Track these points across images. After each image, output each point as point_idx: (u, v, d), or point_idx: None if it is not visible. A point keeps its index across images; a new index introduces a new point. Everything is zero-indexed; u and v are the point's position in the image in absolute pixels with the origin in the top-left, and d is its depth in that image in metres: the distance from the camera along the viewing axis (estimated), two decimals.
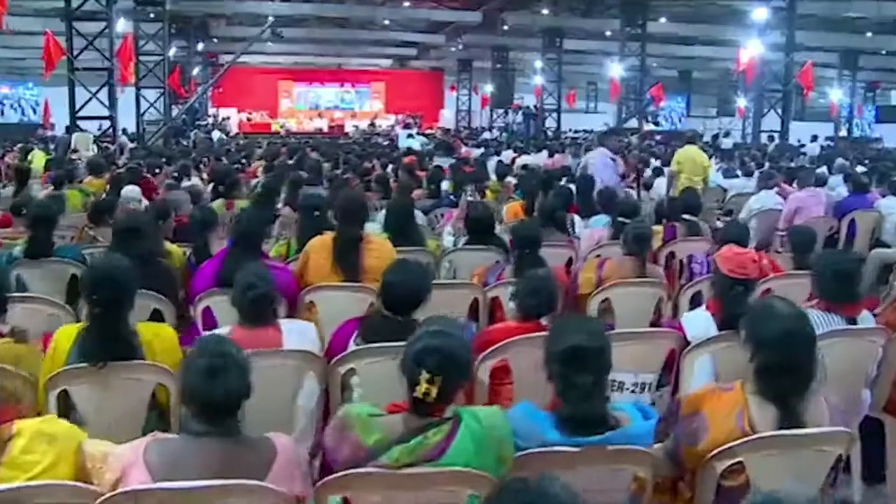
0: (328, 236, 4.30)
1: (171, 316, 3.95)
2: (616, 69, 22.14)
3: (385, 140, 21.78)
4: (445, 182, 8.58)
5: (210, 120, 25.91)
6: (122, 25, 16.68)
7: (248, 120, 32.67)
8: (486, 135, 27.42)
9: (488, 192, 8.72)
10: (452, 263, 5.24)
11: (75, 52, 14.03)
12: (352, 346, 3.10)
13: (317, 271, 4.24)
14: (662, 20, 23.43)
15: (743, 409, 2.21)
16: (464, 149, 18.43)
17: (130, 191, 6.30)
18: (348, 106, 35.84)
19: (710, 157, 13.86)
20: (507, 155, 15.37)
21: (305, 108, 35.37)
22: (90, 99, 14.53)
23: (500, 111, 29.80)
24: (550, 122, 27.00)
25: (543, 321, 3.25)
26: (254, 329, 3.07)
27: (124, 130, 20.24)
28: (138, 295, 3.87)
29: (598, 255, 5.24)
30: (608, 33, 24.47)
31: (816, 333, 3.26)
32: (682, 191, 6.57)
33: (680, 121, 31.28)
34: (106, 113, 14.75)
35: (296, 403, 3.05)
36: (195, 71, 24.94)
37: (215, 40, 29.29)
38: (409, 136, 16.27)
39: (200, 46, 25.10)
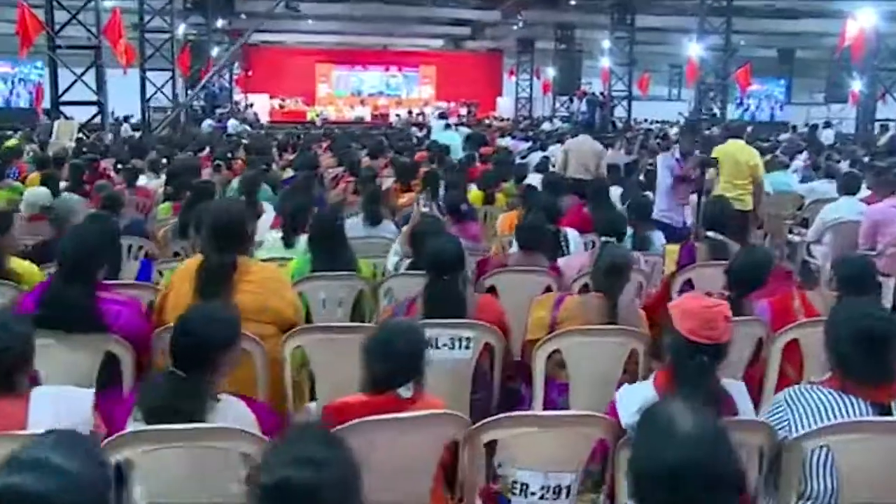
0: (194, 261, 3.69)
1: None
2: (694, 49, 21.01)
3: (423, 131, 21.18)
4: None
5: (229, 107, 25.70)
6: None
7: (281, 107, 32.70)
8: (546, 125, 26.61)
9: (499, 197, 8.05)
10: (391, 293, 4.59)
11: (57, 27, 13.88)
12: (129, 425, 2.50)
13: (176, 308, 3.62)
14: None
15: None
16: (508, 141, 17.74)
17: (33, 194, 5.86)
18: (394, 92, 35.55)
19: (796, 154, 12.86)
20: (554, 150, 14.64)
21: (346, 94, 35.22)
22: (75, 82, 14.41)
23: (565, 98, 28.90)
24: (622, 112, 25.96)
25: (403, 393, 2.59)
26: None
27: (126, 118, 20.38)
28: None
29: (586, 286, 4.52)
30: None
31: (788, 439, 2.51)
32: (710, 200, 5.70)
33: (771, 111, 29.63)
34: (93, 98, 14.55)
35: None
36: (215, 51, 24.77)
37: (243, 16, 29.29)
38: (447, 126, 15.56)
39: (220, 23, 24.91)
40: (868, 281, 3.77)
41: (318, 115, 31.92)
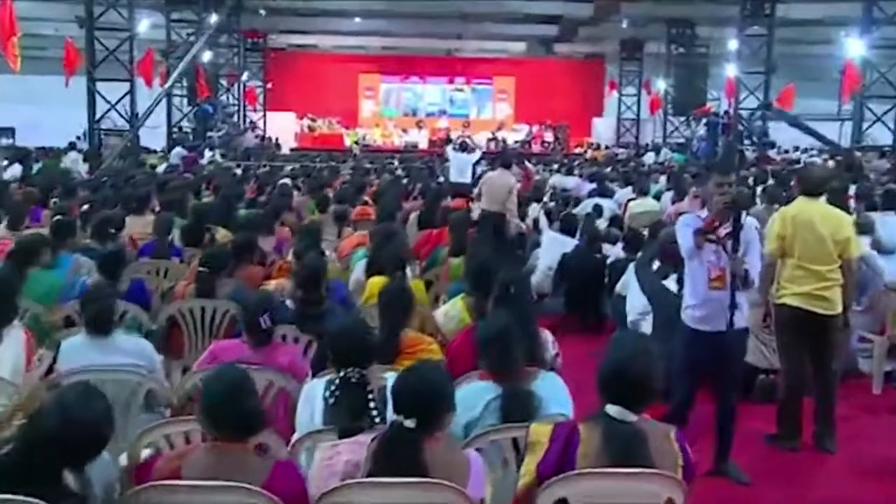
0: None
1: None
2: (856, 46, 18.70)
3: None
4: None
5: (225, 129, 24.69)
6: None
7: (310, 130, 31.62)
8: (649, 157, 24.66)
9: (415, 285, 6.05)
10: None
11: None
12: None
13: None
14: None
15: None
16: (571, 181, 15.87)
17: None
18: (460, 112, 34.24)
19: None
20: (622, 195, 13.12)
21: (398, 113, 34.21)
22: None
23: (682, 119, 27.02)
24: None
25: None
26: None
27: (73, 145, 19.53)
28: None
29: None
30: None
31: None
32: (615, 337, 3.43)
33: None
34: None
35: None
36: (206, 57, 23.81)
37: (262, 13, 28.62)
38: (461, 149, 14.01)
39: (214, 18, 24.00)
40: None
41: (356, 142, 30.65)
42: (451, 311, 5.17)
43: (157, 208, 9.64)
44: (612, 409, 2.95)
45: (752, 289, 5.04)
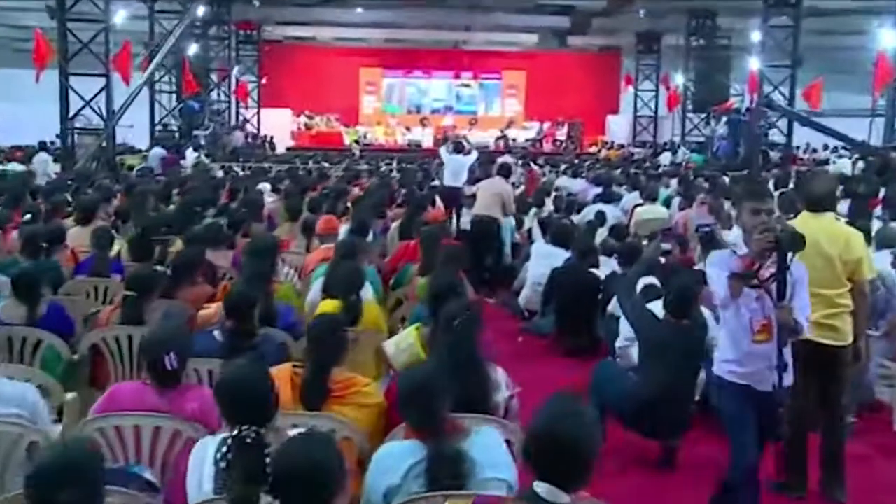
0: None
1: None
2: (888, 38, 18.28)
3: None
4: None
5: (212, 127, 24.40)
6: None
7: (307, 128, 31.42)
8: (665, 157, 24.33)
9: (370, 310, 5.58)
10: None
11: None
12: None
13: None
14: None
15: None
16: (577, 184, 15.45)
17: None
18: (467, 108, 34.17)
19: None
20: (629, 200, 12.72)
21: (401, 110, 34.06)
22: None
23: (702, 116, 26.76)
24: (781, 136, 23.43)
25: None
26: None
27: (45, 146, 19.22)
28: None
29: None
30: None
31: None
32: (551, 401, 2.90)
33: None
34: None
35: None
36: (192, 50, 23.52)
37: (256, 3, 28.35)
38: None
39: (202, 10, 23.75)
40: None
41: (356, 141, 30.43)
42: (404, 343, 4.68)
43: (112, 217, 9.28)
44: (540, 487, 2.56)
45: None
